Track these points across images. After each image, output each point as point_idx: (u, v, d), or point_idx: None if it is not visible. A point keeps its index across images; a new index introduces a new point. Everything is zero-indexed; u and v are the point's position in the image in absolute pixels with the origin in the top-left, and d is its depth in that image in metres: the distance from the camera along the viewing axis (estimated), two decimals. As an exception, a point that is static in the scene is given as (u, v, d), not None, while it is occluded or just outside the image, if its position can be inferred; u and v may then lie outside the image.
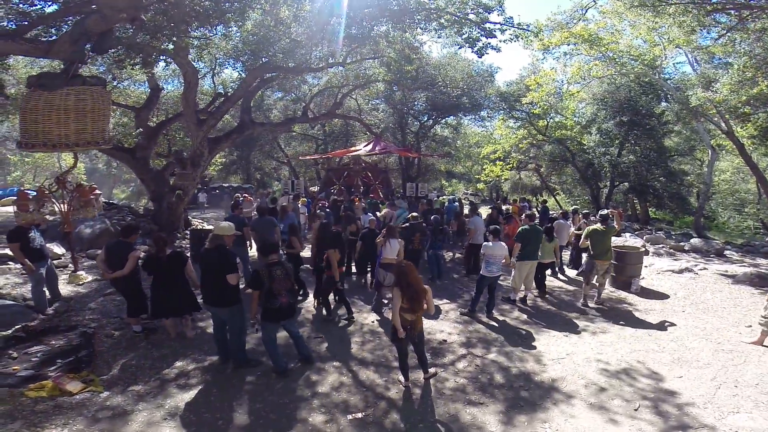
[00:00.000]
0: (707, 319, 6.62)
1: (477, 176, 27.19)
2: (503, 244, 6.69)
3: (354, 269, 8.69)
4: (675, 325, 6.43)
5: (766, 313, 5.51)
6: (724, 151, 19.46)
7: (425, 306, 4.38)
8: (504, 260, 6.56)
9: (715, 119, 14.50)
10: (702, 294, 7.84)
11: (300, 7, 8.60)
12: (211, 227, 11.35)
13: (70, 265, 8.11)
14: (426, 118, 25.84)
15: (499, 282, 6.94)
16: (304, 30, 9.81)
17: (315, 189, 21.19)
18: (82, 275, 7.79)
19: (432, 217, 9.05)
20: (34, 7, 5.82)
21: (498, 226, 7.04)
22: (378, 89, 21.51)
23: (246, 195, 15.83)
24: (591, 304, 7.29)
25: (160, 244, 5.39)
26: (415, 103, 24.64)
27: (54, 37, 5.98)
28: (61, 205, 7.13)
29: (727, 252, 11.68)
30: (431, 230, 8.58)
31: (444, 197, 25.93)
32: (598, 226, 7.31)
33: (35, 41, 5.57)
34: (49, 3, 6.01)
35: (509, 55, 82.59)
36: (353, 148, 20.24)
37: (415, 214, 8.76)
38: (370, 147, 18.08)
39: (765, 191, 17.63)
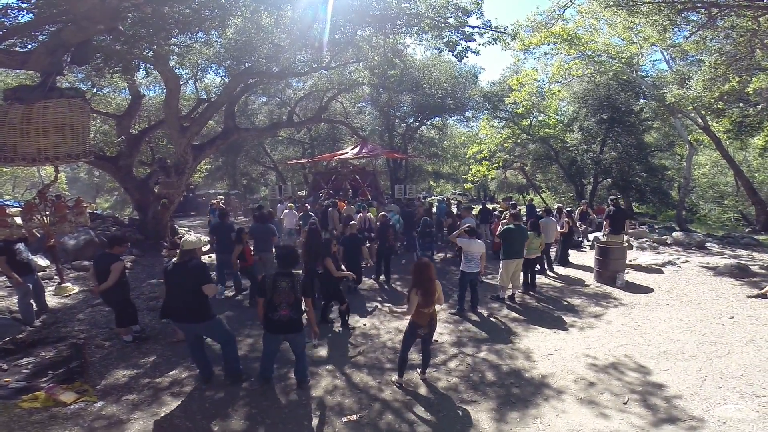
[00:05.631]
0: (691, 311, 6.77)
1: (464, 176, 27.38)
2: (479, 241, 6.83)
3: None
4: (660, 318, 6.57)
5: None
6: (702, 146, 19.95)
7: (436, 298, 4.54)
8: (481, 257, 6.68)
9: (692, 115, 14.86)
10: (685, 287, 8.03)
11: (281, 13, 8.58)
12: (198, 235, 11.26)
13: (56, 276, 7.98)
14: (412, 120, 25.96)
15: (485, 280, 6.97)
16: (286, 35, 9.80)
17: (303, 193, 21.09)
18: (68, 286, 7.69)
19: (422, 219, 9.13)
20: (7, 18, 5.70)
21: (473, 225, 7.32)
22: (364, 92, 21.52)
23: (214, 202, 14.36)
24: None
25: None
26: (401, 105, 24.73)
27: (30, 46, 5.88)
28: (44, 219, 7.04)
29: (708, 244, 11.96)
30: (420, 232, 8.64)
31: (432, 198, 26.00)
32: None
33: (11, 52, 5.47)
34: (24, 13, 5.89)
35: (492, 55, 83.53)
36: (340, 152, 20.22)
37: (384, 213, 9.28)
38: (357, 150, 18.09)
39: (742, 183, 18.15)
